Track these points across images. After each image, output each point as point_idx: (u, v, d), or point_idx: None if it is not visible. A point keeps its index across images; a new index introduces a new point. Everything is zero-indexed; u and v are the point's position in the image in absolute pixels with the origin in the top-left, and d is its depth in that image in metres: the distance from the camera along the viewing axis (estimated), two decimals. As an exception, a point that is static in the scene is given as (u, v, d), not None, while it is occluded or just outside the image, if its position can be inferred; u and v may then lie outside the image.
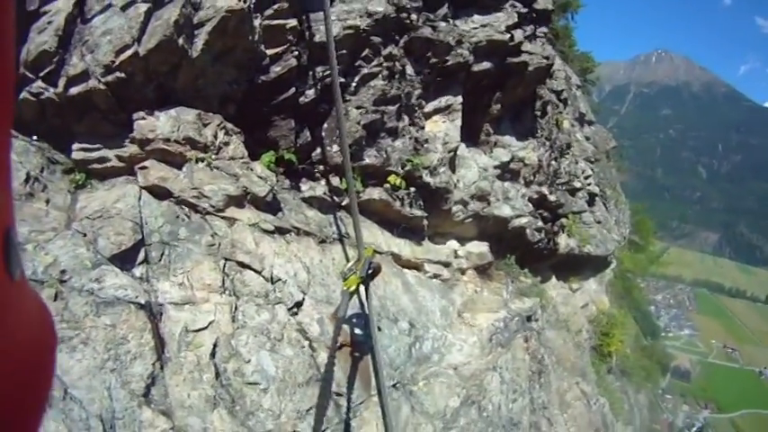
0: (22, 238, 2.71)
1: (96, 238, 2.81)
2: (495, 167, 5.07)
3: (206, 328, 2.76)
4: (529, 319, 5.31)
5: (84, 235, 2.82)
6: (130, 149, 3.09)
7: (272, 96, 3.43)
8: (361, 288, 3.07)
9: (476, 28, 4.93)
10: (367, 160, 3.68)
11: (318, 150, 3.51)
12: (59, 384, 2.41)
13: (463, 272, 4.92)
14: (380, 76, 3.72)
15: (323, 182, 3.49)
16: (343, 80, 3.53)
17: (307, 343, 3.00)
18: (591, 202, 8.25)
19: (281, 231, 3.20)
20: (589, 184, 8.34)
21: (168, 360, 2.64)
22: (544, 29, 5.95)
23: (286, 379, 2.82)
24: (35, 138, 3.11)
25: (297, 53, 3.47)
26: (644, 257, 15.82)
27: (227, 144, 3.20)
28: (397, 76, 3.88)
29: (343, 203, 3.53)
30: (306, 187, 3.44)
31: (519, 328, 5.03)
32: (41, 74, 2.99)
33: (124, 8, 3.08)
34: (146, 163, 3.05)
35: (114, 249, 2.78)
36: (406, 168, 3.85)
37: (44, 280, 2.59)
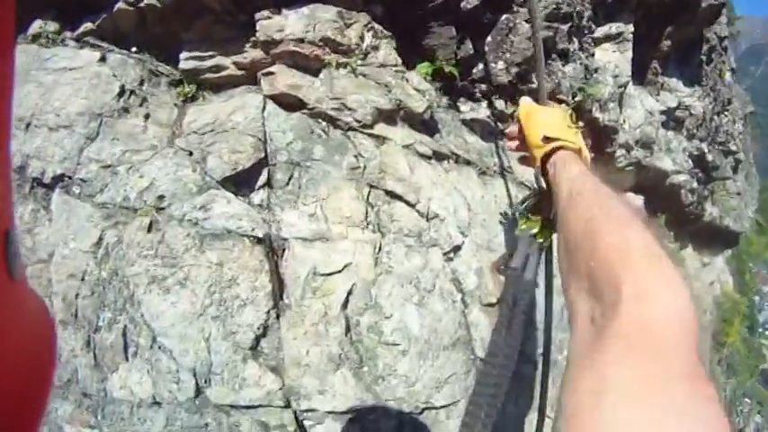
0: (114, 159, 2.03)
1: (205, 157, 2.07)
2: (662, 113, 4.18)
3: (341, 271, 2.00)
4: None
5: (191, 153, 2.08)
6: (252, 54, 2.32)
7: (427, -3, 2.71)
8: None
9: (649, -54, 4.01)
10: (536, 84, 2.92)
11: (480, 67, 2.78)
12: (147, 331, 1.78)
13: (618, 227, 3.99)
14: (552, -12, 2.93)
15: (484, 104, 2.78)
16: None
17: (459, 297, 2.19)
18: (735, 170, 7.11)
19: (438, 157, 2.38)
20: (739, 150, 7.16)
21: (287, 308, 1.92)
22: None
23: (431, 340, 2.02)
24: (135, 50, 2.40)
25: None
26: (765, 241, 14.04)
27: (376, 48, 2.48)
28: (568, -9, 3.08)
29: (508, 131, 2.81)
30: (466, 108, 2.73)
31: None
32: (139, -24, 2.24)
33: None
34: (272, 68, 2.27)
35: (228, 170, 2.04)
36: (577, 99, 3.06)
37: (137, 207, 1.93)
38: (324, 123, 2.26)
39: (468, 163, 2.51)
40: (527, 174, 2.70)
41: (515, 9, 2.76)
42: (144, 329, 1.86)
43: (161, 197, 1.99)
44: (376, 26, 2.47)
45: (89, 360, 1.90)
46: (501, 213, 2.48)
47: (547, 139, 1.42)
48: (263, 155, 2.12)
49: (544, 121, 1.50)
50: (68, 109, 2.14)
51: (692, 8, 4.26)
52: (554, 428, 0.65)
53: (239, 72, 2.38)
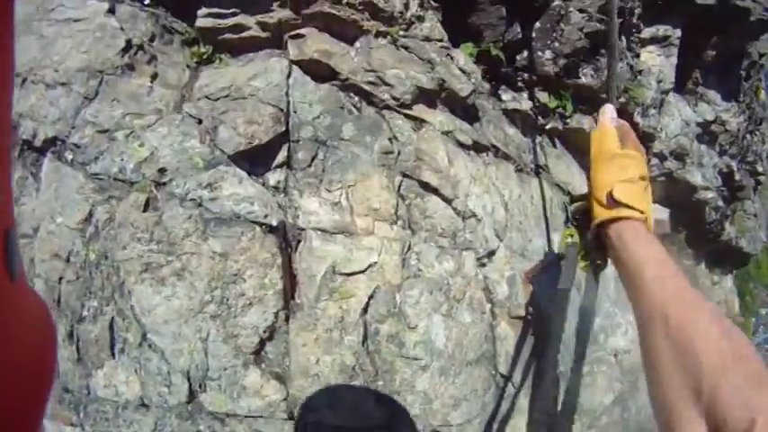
0: (112, 123, 1.74)
1: (217, 127, 1.76)
2: (698, 125, 3.98)
3: (363, 271, 1.72)
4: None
5: (200, 122, 1.77)
6: (280, 14, 2.00)
7: (476, -28, 2.46)
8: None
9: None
10: (583, 79, 2.65)
11: (525, 54, 2.56)
12: (136, 326, 1.52)
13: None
14: (606, -22, 2.69)
15: (525, 94, 2.56)
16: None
17: (488, 307, 1.91)
18: (755, 190, 6.91)
19: (478, 149, 2.08)
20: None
21: (298, 309, 1.64)
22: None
23: (455, 355, 1.77)
24: (147, 2, 2.08)
25: None
26: (768, 263, 13.80)
27: (420, 19, 2.24)
28: (620, -17, 2.84)
29: (548, 127, 2.58)
30: (508, 97, 2.50)
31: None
32: None
33: None
34: (302, 30, 1.98)
35: (242, 144, 1.74)
36: (620, 100, 2.85)
37: (134, 181, 1.64)
38: (356, 98, 1.99)
39: (506, 157, 2.26)
40: (563, 175, 2.49)
41: (567, -4, 2.55)
42: (133, 324, 1.58)
43: (162, 170, 1.68)
44: (423, -6, 2.24)
45: (71, 353, 1.62)
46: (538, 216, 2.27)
47: (614, 201, 1.13)
48: (283, 128, 1.83)
49: (617, 173, 1.16)
50: (67, 64, 1.85)
51: (741, 20, 4.05)
52: None
53: (263, 34, 2.09)
